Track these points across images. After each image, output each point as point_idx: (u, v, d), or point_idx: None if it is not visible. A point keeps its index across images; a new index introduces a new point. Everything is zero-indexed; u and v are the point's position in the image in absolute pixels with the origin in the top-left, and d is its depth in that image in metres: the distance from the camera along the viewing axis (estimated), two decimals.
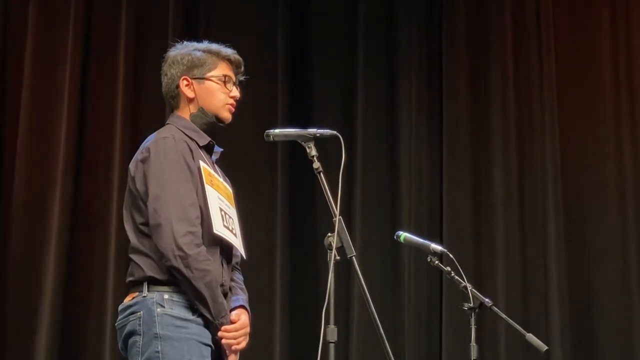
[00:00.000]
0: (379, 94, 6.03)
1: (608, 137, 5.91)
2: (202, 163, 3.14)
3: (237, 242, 3.21)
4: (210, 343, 3.05)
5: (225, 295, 3.11)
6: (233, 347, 3.08)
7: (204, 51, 3.26)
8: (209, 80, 3.23)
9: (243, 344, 3.11)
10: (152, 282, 3.04)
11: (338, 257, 3.01)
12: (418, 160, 5.92)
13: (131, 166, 3.15)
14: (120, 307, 3.11)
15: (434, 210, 5.89)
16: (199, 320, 3.03)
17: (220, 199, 3.16)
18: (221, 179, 3.25)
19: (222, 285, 3.09)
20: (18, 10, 5.66)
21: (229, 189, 3.29)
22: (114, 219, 5.45)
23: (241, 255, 3.28)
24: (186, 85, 3.22)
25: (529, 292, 5.76)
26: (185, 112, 3.24)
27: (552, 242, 5.73)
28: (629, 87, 5.93)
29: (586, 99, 5.97)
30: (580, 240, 5.82)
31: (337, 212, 3.02)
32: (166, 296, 3.02)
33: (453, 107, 5.97)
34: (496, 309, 4.05)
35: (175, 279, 3.01)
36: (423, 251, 4.29)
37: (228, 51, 3.30)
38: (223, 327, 3.04)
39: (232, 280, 3.22)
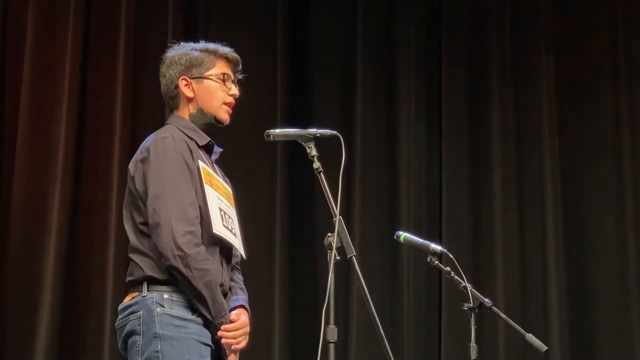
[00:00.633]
0: (378, 94, 6.03)
1: (607, 137, 5.91)
2: (201, 163, 3.13)
3: (236, 241, 3.21)
4: (210, 343, 3.05)
5: (225, 295, 3.11)
6: (233, 347, 3.08)
7: (201, 50, 3.26)
8: (208, 79, 3.22)
9: (243, 344, 3.11)
10: (152, 281, 3.04)
11: (338, 257, 3.00)
12: (417, 160, 5.93)
13: (131, 166, 3.15)
14: (119, 307, 3.10)
15: (434, 210, 5.90)
16: (199, 320, 3.03)
17: (219, 199, 3.15)
18: (220, 179, 3.24)
19: (221, 285, 3.09)
20: (18, 10, 5.65)
21: (229, 188, 3.28)
22: (114, 218, 5.44)
23: (241, 255, 3.27)
24: (185, 85, 3.22)
25: (528, 292, 5.77)
26: (185, 112, 3.23)
27: (552, 243, 5.73)
28: (628, 87, 5.93)
29: (586, 99, 5.97)
30: (579, 241, 5.83)
31: (337, 212, 3.01)
32: (166, 296, 3.02)
33: (452, 107, 5.97)
34: (496, 309, 4.05)
35: (174, 279, 3.00)
36: (423, 251, 4.29)
37: (225, 49, 3.29)
38: (223, 327, 3.04)
39: (231, 280, 3.22)
